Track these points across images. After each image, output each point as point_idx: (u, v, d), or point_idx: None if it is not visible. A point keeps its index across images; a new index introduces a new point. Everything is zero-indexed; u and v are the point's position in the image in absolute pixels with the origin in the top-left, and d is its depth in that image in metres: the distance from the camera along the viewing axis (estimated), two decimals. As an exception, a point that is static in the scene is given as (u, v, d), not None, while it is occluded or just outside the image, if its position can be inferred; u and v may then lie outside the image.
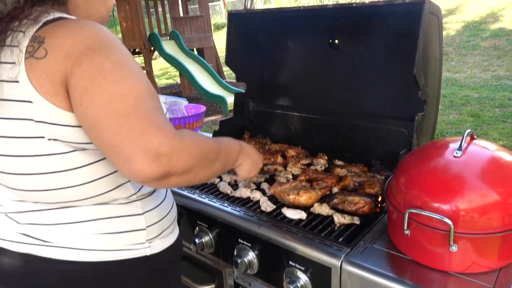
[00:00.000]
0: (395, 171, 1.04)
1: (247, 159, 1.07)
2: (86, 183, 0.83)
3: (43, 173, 0.81)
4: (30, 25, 0.78)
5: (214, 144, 0.87)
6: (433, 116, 1.39)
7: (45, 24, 0.78)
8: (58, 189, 0.82)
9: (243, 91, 1.83)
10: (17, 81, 0.76)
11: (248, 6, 1.65)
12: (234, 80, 9.43)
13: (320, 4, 16.48)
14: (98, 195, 0.86)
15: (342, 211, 1.18)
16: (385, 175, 1.32)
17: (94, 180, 0.84)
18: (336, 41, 1.55)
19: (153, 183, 0.75)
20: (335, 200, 1.21)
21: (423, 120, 1.27)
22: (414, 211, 0.87)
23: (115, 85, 0.73)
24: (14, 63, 0.76)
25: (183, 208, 1.36)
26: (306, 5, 16.38)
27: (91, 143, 0.80)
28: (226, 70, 10.85)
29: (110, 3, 0.99)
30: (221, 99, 6.65)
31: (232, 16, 1.69)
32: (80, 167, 0.82)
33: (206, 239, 1.30)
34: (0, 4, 0.80)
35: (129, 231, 0.91)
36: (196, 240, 1.29)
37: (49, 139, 0.78)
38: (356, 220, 1.12)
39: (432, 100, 1.32)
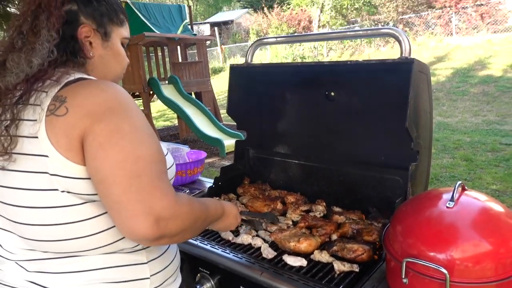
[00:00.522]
0: (391, 219, 1.09)
1: (224, 221, 1.14)
2: (95, 233, 0.87)
3: (55, 224, 0.85)
4: (53, 85, 0.86)
5: (204, 211, 0.95)
6: (426, 165, 1.46)
7: (66, 84, 0.86)
8: (68, 239, 0.86)
9: (239, 133, 1.92)
10: (36, 137, 0.82)
11: (249, 60, 1.75)
12: (231, 123, 9.60)
13: (313, 55, 17.13)
14: (106, 245, 0.89)
15: (342, 258, 1.21)
16: (382, 222, 1.37)
17: (103, 231, 0.88)
18: (332, 93, 1.64)
19: (145, 242, 0.82)
20: (335, 248, 1.24)
21: (416, 169, 1.34)
22: (411, 260, 0.91)
23: (131, 146, 0.79)
24: (35, 120, 0.83)
25: (185, 254, 1.38)
26: (300, 55, 16.99)
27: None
28: (223, 113, 11.07)
29: (124, 62, 1.08)
30: (219, 142, 6.74)
31: (234, 70, 1.79)
32: (90, 218, 0.86)
33: (207, 285, 1.31)
34: (26, 66, 0.88)
35: (133, 280, 0.94)
36: (198, 287, 1.30)
37: (62, 191, 0.83)
38: (356, 268, 1.15)
39: (425, 150, 1.40)
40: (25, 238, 0.88)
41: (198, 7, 31.22)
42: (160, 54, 9.08)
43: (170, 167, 0.97)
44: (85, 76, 0.91)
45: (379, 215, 1.45)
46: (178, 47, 9.11)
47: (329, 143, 1.70)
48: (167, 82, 8.47)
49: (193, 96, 8.70)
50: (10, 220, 0.89)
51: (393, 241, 1.02)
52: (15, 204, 0.86)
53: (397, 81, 1.26)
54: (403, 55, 1.26)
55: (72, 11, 0.94)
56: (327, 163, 1.71)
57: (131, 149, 0.79)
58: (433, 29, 14.61)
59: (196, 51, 9.63)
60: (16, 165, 0.85)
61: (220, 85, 16.67)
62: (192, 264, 1.37)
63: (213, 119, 7.79)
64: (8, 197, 0.87)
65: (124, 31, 1.06)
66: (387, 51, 14.98)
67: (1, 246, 0.94)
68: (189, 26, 9.47)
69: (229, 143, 6.96)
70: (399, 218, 1.05)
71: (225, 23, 26.40)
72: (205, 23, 25.67)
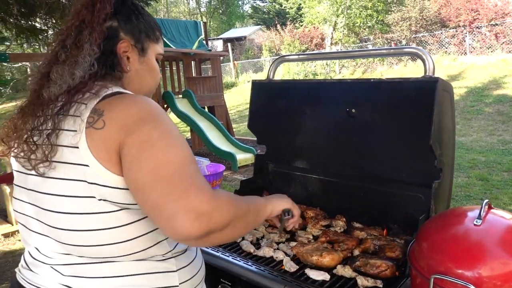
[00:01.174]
0: (416, 236, 1.09)
1: (272, 202, 1.14)
2: (129, 240, 0.90)
3: (91, 230, 0.87)
4: (92, 98, 0.90)
5: (243, 200, 0.97)
6: (448, 182, 1.47)
7: (104, 98, 0.89)
8: (103, 245, 0.88)
9: (252, 148, 1.95)
10: (77, 147, 0.85)
11: (271, 77, 1.79)
12: (243, 137, 9.65)
13: (325, 72, 17.22)
14: (138, 252, 0.92)
15: (364, 274, 1.21)
16: (405, 239, 1.37)
17: (136, 237, 0.90)
18: (353, 110, 1.67)
19: (194, 241, 0.81)
20: (358, 263, 1.25)
21: (439, 187, 1.35)
22: (439, 276, 0.92)
23: (161, 153, 0.83)
24: (75, 131, 0.87)
25: (206, 265, 1.39)
26: (312, 71, 17.09)
27: (135, 204, 0.88)
28: (235, 127, 11.15)
29: (158, 77, 1.13)
30: (231, 156, 6.77)
31: (256, 85, 1.83)
32: (125, 225, 0.89)
33: (229, 297, 1.32)
34: (69, 78, 0.92)
35: (163, 287, 0.96)
36: (219, 299, 1.31)
37: (99, 199, 0.86)
38: (380, 284, 1.16)
39: (447, 168, 1.40)
40: (62, 242, 0.91)
41: (211, 23, 31.77)
42: (175, 68, 9.25)
43: None
44: (122, 90, 0.95)
45: (400, 231, 1.45)
46: (193, 62, 9.26)
47: (349, 159, 1.71)
48: (181, 96, 8.60)
49: (206, 110, 8.79)
50: (48, 225, 0.92)
51: (419, 258, 1.03)
52: (54, 210, 0.89)
53: (421, 99, 1.29)
54: (427, 73, 1.29)
55: (112, 27, 0.99)
56: (347, 179, 1.73)
57: (161, 155, 0.82)
58: (446, 48, 14.61)
59: (210, 66, 9.78)
60: (55, 172, 0.88)
61: (232, 100, 16.82)
62: (213, 275, 1.38)
63: (226, 133, 7.84)
64: (47, 203, 0.91)
65: (159, 48, 1.11)
66: (400, 70, 15.00)
67: (38, 251, 0.97)
68: (204, 42, 9.64)
69: (241, 157, 7.00)
70: (425, 235, 1.05)
71: (238, 39, 26.76)
72: (218, 38, 26.08)
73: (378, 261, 1.22)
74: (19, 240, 4.30)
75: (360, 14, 17.47)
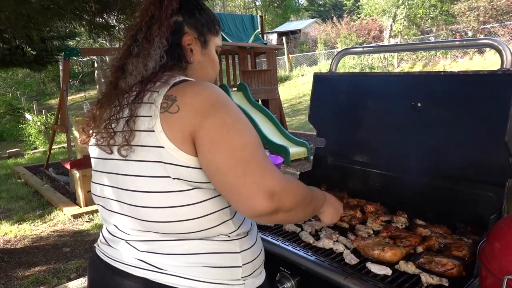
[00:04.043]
0: (488, 236, 1.05)
1: (329, 207, 1.19)
2: (199, 217, 0.96)
3: (167, 207, 0.95)
4: (163, 86, 0.97)
5: (308, 189, 1.02)
6: (522, 182, 1.38)
7: (173, 85, 0.97)
8: (177, 221, 0.96)
9: (305, 142, 1.96)
10: (153, 131, 0.93)
11: (333, 69, 1.79)
12: (296, 131, 9.63)
13: (382, 66, 16.60)
14: (207, 229, 0.98)
15: (428, 271, 1.19)
16: (473, 238, 1.32)
17: (206, 215, 0.97)
18: (419, 104, 1.62)
19: (264, 217, 0.90)
20: (422, 260, 1.22)
21: (513, 186, 1.27)
22: (513, 277, 0.88)
23: (237, 137, 0.90)
24: (151, 116, 0.94)
25: (267, 252, 1.43)
26: (369, 65, 16.54)
27: (206, 182, 0.94)
28: (288, 121, 11.14)
29: (217, 68, 1.20)
30: (284, 149, 6.79)
31: (317, 78, 1.84)
32: (196, 203, 0.96)
33: (287, 285, 1.35)
34: (143, 69, 1.01)
35: (229, 267, 1.01)
36: (278, 285, 1.35)
37: (174, 178, 0.93)
38: (445, 282, 1.13)
39: (523, 166, 1.32)
40: (140, 220, 0.99)
41: (266, 16, 31.80)
42: (231, 62, 9.41)
43: None
44: (187, 78, 1.02)
45: (467, 231, 1.40)
46: (248, 55, 9.37)
47: (412, 154, 1.66)
48: (236, 89, 8.75)
49: (260, 103, 8.87)
50: (128, 204, 1.00)
51: (491, 258, 0.99)
52: (134, 190, 0.98)
53: (496, 93, 1.22)
54: (504, 66, 1.22)
55: (178, 21, 1.07)
56: (410, 174, 1.68)
57: (237, 139, 0.89)
58: (519, 39, 13.50)
59: (264, 59, 9.82)
60: (135, 155, 0.97)
61: (286, 94, 16.80)
62: (273, 263, 1.42)
63: (280, 126, 7.87)
64: (128, 183, 0.99)
65: (218, 40, 1.17)
66: (465, 63, 14.11)
67: (118, 228, 1.06)
68: (260, 36, 9.70)
69: (294, 151, 7.00)
70: (498, 235, 1.01)
71: (293, 32, 26.59)
72: (273, 32, 26.08)
73: (444, 259, 1.19)
74: (87, 221, 4.65)
75: (422, 4, 16.62)
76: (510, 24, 13.96)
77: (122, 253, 1.04)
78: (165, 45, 1.02)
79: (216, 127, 0.89)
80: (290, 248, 1.41)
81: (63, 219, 4.77)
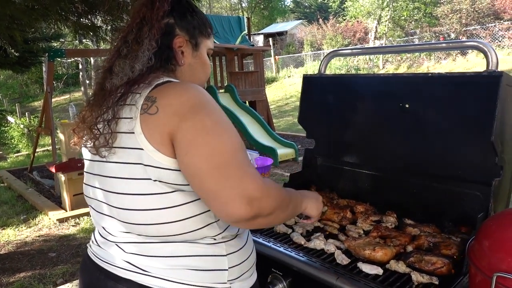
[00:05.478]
0: (476, 234, 1.07)
1: (309, 201, 1.20)
2: (181, 219, 0.95)
3: (149, 209, 0.94)
4: (145, 87, 0.97)
5: (286, 191, 1.03)
6: (508, 181, 1.42)
7: (156, 86, 0.96)
8: (160, 223, 0.95)
9: (293, 143, 1.96)
10: (133, 132, 0.92)
11: (322, 70, 1.80)
12: (283, 132, 9.65)
13: (368, 67, 16.78)
14: (190, 231, 0.97)
15: (419, 270, 1.20)
16: (461, 237, 1.34)
17: (188, 218, 0.96)
18: (407, 105, 1.64)
19: (243, 223, 0.89)
20: (412, 259, 1.24)
21: (499, 185, 1.30)
22: (502, 275, 0.90)
23: (216, 140, 0.89)
24: (131, 118, 0.94)
25: (258, 254, 1.43)
26: (354, 66, 16.71)
27: (187, 185, 0.93)
28: (276, 122, 11.16)
29: (208, 71, 1.19)
30: (272, 151, 6.81)
31: (306, 79, 1.84)
32: (178, 205, 0.95)
33: (279, 286, 1.35)
34: (129, 71, 1.00)
35: (214, 270, 1.01)
36: (270, 287, 1.35)
37: (155, 180, 0.92)
38: (435, 281, 1.14)
39: (509, 166, 1.36)
40: (123, 221, 0.99)
41: (253, 18, 31.85)
42: (218, 63, 9.39)
43: None
44: (172, 79, 1.01)
45: (455, 229, 1.42)
46: (235, 57, 9.37)
47: (401, 154, 1.69)
48: (223, 90, 8.73)
49: (248, 104, 8.87)
50: (113, 206, 1.00)
51: (480, 256, 1.01)
52: (118, 192, 0.97)
53: (482, 94, 1.25)
54: (490, 67, 1.25)
55: (169, 23, 1.06)
56: (399, 174, 1.70)
57: (216, 142, 0.88)
58: (500, 41, 13.82)
59: (251, 61, 9.83)
60: (116, 157, 0.96)
61: (273, 95, 16.83)
62: (264, 265, 1.42)
63: (267, 128, 7.89)
64: (110, 185, 0.99)
65: (210, 43, 1.17)
66: (448, 64, 14.37)
67: (106, 230, 1.06)
68: (247, 37, 9.71)
69: (282, 152, 7.02)
70: (486, 233, 1.03)
71: (279, 34, 26.68)
72: (259, 33, 26.12)
73: (433, 258, 1.20)
74: (73, 225, 4.58)
75: (406, 7, 16.88)
76: (492, 26, 14.27)
77: (113, 255, 1.03)
78: (154, 47, 1.01)
79: (194, 129, 0.88)
80: (281, 249, 1.41)
81: (48, 223, 4.68)
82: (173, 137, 0.89)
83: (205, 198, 0.90)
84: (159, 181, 0.92)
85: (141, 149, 0.91)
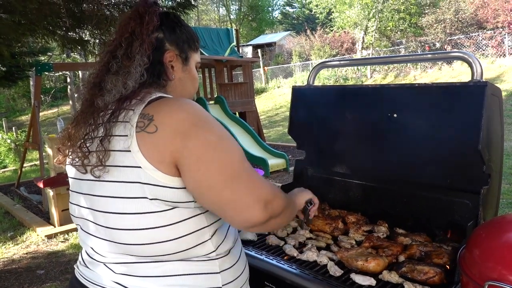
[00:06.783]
0: (467, 242, 1.08)
1: (300, 194, 1.35)
2: (177, 238, 0.94)
3: (142, 229, 0.92)
4: (138, 104, 0.95)
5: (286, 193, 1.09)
6: (496, 189, 1.43)
7: (149, 102, 0.95)
8: (153, 243, 0.93)
9: (283, 153, 1.97)
10: (129, 151, 0.90)
11: (311, 82, 1.81)
12: (274, 143, 9.67)
13: (356, 77, 16.98)
14: (185, 250, 0.96)
15: (411, 280, 1.20)
16: (452, 245, 1.35)
17: (184, 236, 0.95)
18: (395, 115, 1.66)
19: (258, 227, 0.93)
20: (404, 269, 1.24)
21: (487, 193, 1.32)
22: (493, 283, 0.90)
23: (223, 153, 0.91)
24: (126, 135, 0.92)
25: (251, 267, 1.42)
26: (343, 76, 16.89)
27: (186, 201, 0.92)
28: (266, 132, 11.19)
29: (197, 84, 1.19)
30: (263, 161, 6.81)
31: (296, 91, 1.86)
32: (174, 223, 0.93)
33: (273, 300, 1.34)
34: (122, 88, 0.98)
35: None
36: (263, 301, 1.33)
37: (151, 199, 0.90)
38: (428, 290, 1.15)
39: (496, 174, 1.38)
40: (115, 242, 0.96)
41: (241, 30, 32.10)
42: (208, 75, 9.42)
43: None
44: (163, 94, 1.00)
45: (446, 238, 1.43)
46: (225, 68, 9.41)
47: (391, 164, 1.70)
48: (213, 102, 8.74)
49: (238, 115, 8.89)
50: (102, 226, 0.97)
51: (471, 264, 1.01)
52: (109, 211, 0.94)
53: (469, 103, 1.27)
54: (475, 77, 1.27)
55: (159, 38, 1.05)
56: (389, 184, 1.71)
57: (224, 156, 0.91)
58: (483, 50, 14.12)
59: (240, 72, 9.89)
60: (109, 175, 0.94)
61: (262, 106, 16.89)
62: (258, 278, 1.41)
63: (258, 138, 7.90)
64: (101, 205, 0.96)
65: (197, 57, 1.17)
66: (434, 73, 14.61)
67: (94, 250, 1.03)
68: (236, 49, 9.77)
69: (273, 162, 7.03)
70: (477, 241, 1.04)
71: (268, 45, 26.90)
72: (248, 45, 26.31)
73: (425, 267, 1.21)
74: (62, 241, 4.50)
75: (392, 17, 17.19)
76: (475, 35, 14.59)
77: (101, 276, 1.01)
78: (146, 62, 0.99)
79: (201, 147, 0.88)
80: (274, 262, 1.40)
81: (36, 240, 4.59)
82: (178, 156, 0.88)
83: (221, 208, 0.91)
84: (156, 199, 0.91)
85: (139, 167, 0.89)
